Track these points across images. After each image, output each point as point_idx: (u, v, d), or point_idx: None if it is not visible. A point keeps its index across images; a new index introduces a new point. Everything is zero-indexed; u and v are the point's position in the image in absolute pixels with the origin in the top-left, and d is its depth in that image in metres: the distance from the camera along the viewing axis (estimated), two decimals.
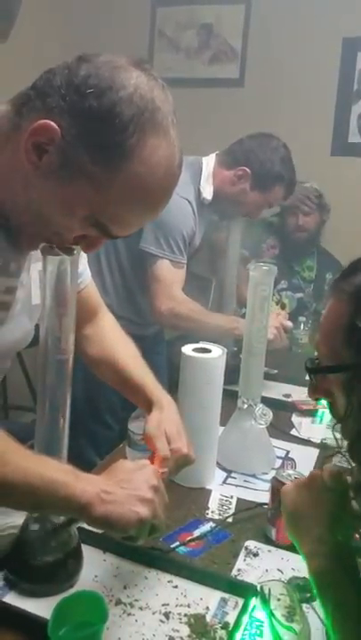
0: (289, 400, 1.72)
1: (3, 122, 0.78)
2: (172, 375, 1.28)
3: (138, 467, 0.84)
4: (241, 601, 0.89)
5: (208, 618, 0.87)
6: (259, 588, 0.85)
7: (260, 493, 1.21)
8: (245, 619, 0.83)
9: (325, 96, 2.81)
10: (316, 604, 0.88)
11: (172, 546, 1.03)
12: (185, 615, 0.87)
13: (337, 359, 0.69)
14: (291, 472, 1.07)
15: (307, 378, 0.77)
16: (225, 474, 1.31)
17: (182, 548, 1.03)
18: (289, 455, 1.42)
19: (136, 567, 0.96)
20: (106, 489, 0.76)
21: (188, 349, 1.24)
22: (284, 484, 0.96)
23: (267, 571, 0.99)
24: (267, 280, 1.32)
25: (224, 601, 0.90)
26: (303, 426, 1.58)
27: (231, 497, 1.21)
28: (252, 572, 0.99)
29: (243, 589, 0.90)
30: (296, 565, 0.99)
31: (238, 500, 1.20)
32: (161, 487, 0.82)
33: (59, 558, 0.89)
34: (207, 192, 1.80)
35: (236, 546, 1.05)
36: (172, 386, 1.25)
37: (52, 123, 0.72)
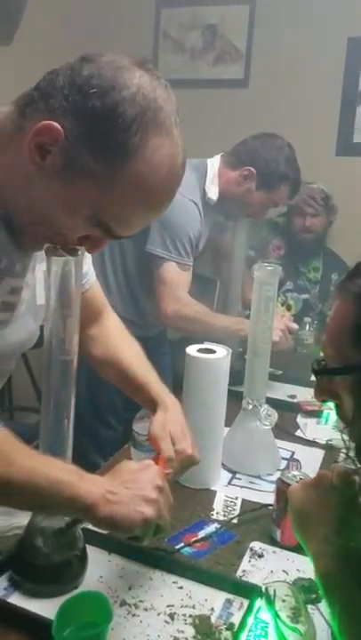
0: (294, 401, 1.72)
1: (6, 123, 0.78)
2: (176, 376, 1.28)
3: (142, 467, 0.84)
4: (246, 602, 0.88)
5: (213, 619, 0.86)
6: (264, 589, 0.84)
7: (265, 494, 1.21)
8: (250, 620, 0.83)
9: (330, 96, 2.81)
10: (322, 605, 0.88)
11: (177, 547, 1.03)
12: (190, 616, 0.87)
13: (344, 360, 0.68)
14: (296, 473, 1.07)
15: (312, 379, 0.77)
16: (230, 475, 1.30)
17: (187, 549, 1.03)
18: (294, 456, 1.42)
19: (141, 568, 0.96)
20: (111, 489, 0.76)
21: (192, 350, 1.24)
22: (289, 485, 0.96)
23: (272, 572, 0.99)
24: (271, 280, 1.31)
25: (229, 602, 0.90)
26: (308, 427, 1.57)
27: (236, 498, 1.21)
28: (258, 573, 0.98)
29: (248, 590, 0.90)
30: (301, 567, 0.99)
31: (243, 501, 1.20)
32: (166, 487, 0.82)
33: (63, 559, 0.89)
34: (212, 193, 1.80)
35: (241, 547, 1.05)
36: (177, 386, 1.25)
37: (56, 123, 0.72)
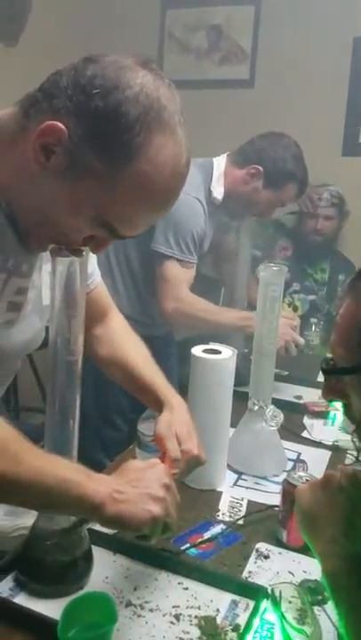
0: (300, 402, 1.71)
1: (10, 124, 0.78)
2: (182, 376, 1.28)
3: (148, 465, 0.84)
4: (252, 603, 0.88)
5: (219, 620, 0.86)
6: (270, 591, 0.84)
7: (271, 496, 1.20)
8: (256, 621, 0.82)
9: (336, 96, 2.80)
10: (328, 606, 0.87)
11: (183, 548, 1.03)
12: (195, 617, 0.86)
13: (353, 360, 0.68)
14: (302, 474, 1.07)
15: (319, 379, 0.76)
16: (236, 476, 1.30)
17: (193, 550, 1.03)
18: (300, 457, 1.41)
19: (146, 569, 0.96)
20: (118, 488, 0.75)
21: (197, 350, 1.24)
22: (295, 486, 0.95)
23: (278, 573, 0.98)
24: (277, 280, 1.31)
25: (235, 603, 0.90)
26: (315, 428, 1.57)
27: (242, 499, 1.20)
28: (263, 574, 0.98)
29: (254, 591, 0.90)
30: (307, 568, 0.99)
31: (249, 502, 1.19)
32: (172, 485, 0.82)
33: (69, 559, 0.89)
34: (218, 192, 1.80)
35: (246, 548, 1.05)
36: (183, 387, 1.25)
37: (59, 123, 0.72)
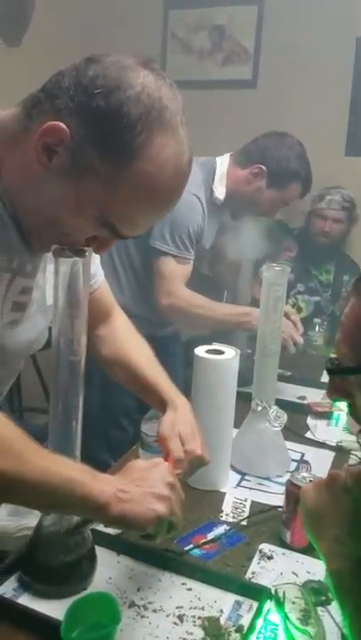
0: (304, 402, 1.71)
1: (13, 124, 0.79)
2: (187, 376, 1.28)
3: (152, 464, 0.84)
4: (255, 604, 0.88)
5: (222, 621, 0.86)
6: (273, 591, 0.84)
7: (275, 496, 1.20)
8: (260, 622, 0.82)
9: (339, 96, 2.79)
10: (332, 607, 0.87)
11: (186, 548, 1.02)
12: (199, 618, 0.86)
13: (358, 359, 0.68)
14: (306, 475, 1.06)
15: (322, 380, 0.76)
16: (239, 476, 1.30)
17: (196, 551, 1.03)
18: (304, 458, 1.41)
19: (150, 569, 0.96)
20: (122, 488, 0.75)
21: (200, 351, 1.23)
22: (299, 487, 0.95)
23: (281, 574, 0.98)
24: (280, 281, 1.31)
25: (238, 604, 0.90)
26: (318, 428, 1.56)
27: (245, 500, 1.20)
28: (267, 574, 0.98)
29: (257, 592, 0.89)
30: (311, 569, 0.99)
31: (252, 502, 1.19)
32: (177, 484, 0.82)
33: (72, 560, 0.89)
34: (220, 192, 1.79)
35: (250, 549, 1.04)
36: (189, 387, 1.25)
37: (61, 124, 0.72)
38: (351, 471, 0.75)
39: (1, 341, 0.88)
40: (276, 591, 0.84)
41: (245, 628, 0.83)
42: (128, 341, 1.14)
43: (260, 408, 1.33)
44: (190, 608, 0.88)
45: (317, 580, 0.94)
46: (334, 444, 1.46)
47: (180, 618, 0.86)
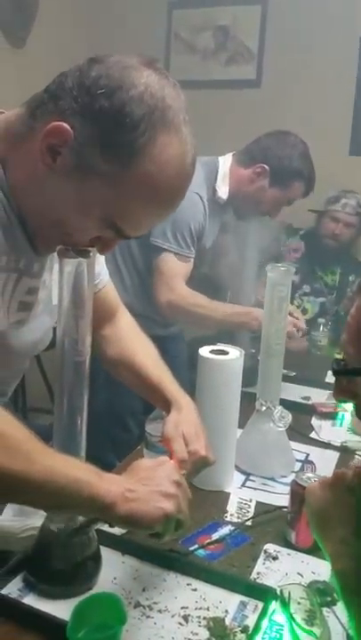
0: (309, 402, 1.71)
1: (17, 125, 0.79)
2: (192, 377, 1.28)
3: (157, 463, 0.84)
4: (260, 604, 0.88)
5: (227, 621, 0.86)
6: (278, 592, 0.84)
7: (280, 497, 1.20)
8: (265, 622, 0.82)
9: (343, 96, 2.79)
10: (337, 607, 0.87)
11: (191, 549, 1.02)
12: (204, 618, 0.86)
13: None
14: (311, 475, 1.06)
15: (327, 380, 0.76)
16: (244, 477, 1.30)
17: (201, 551, 1.02)
18: (309, 458, 1.40)
19: (155, 570, 0.96)
20: (129, 487, 0.75)
21: (205, 351, 1.23)
22: (303, 487, 0.95)
23: (286, 574, 0.98)
24: (284, 281, 1.31)
25: (243, 604, 0.89)
26: (323, 429, 1.56)
27: (250, 500, 1.20)
28: (272, 575, 0.98)
29: (262, 593, 0.89)
30: (316, 569, 0.98)
31: (257, 503, 1.19)
32: (183, 482, 0.82)
33: (78, 560, 0.89)
34: (222, 192, 1.79)
35: (255, 549, 1.04)
36: (193, 387, 1.25)
37: (65, 124, 0.73)
38: (357, 471, 0.75)
39: (7, 341, 0.89)
40: (281, 591, 0.83)
41: (251, 629, 0.83)
42: (133, 341, 1.14)
43: (264, 408, 1.33)
44: (195, 608, 0.88)
45: (323, 580, 0.94)
46: (339, 445, 1.45)
47: (186, 618, 0.86)
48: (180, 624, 0.85)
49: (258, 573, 0.98)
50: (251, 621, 0.85)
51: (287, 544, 1.05)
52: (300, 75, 2.82)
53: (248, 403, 1.35)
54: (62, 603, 0.85)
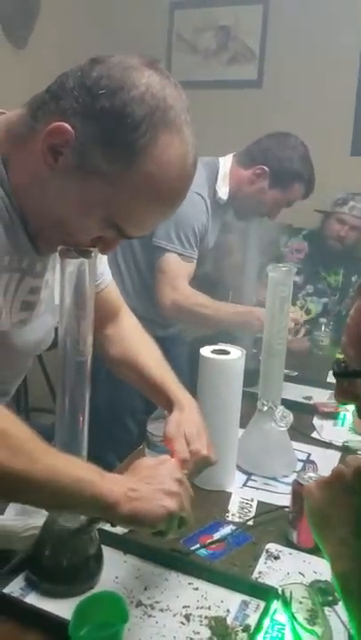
0: (310, 402, 1.71)
1: (19, 125, 0.79)
2: (193, 377, 1.28)
3: (159, 462, 0.84)
4: (262, 604, 0.88)
5: (229, 620, 0.86)
6: (280, 591, 0.84)
7: (281, 496, 1.20)
8: (267, 622, 0.82)
9: (344, 96, 2.79)
10: (339, 607, 0.87)
11: (193, 548, 1.03)
12: (206, 617, 0.86)
13: None
14: (312, 475, 1.06)
15: (328, 380, 0.76)
16: (245, 476, 1.30)
17: (203, 551, 1.03)
18: (310, 458, 1.41)
19: (157, 569, 0.96)
20: (132, 486, 0.75)
21: (206, 351, 1.23)
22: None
23: (288, 574, 0.98)
24: (286, 281, 1.31)
25: (245, 604, 0.90)
26: (325, 428, 1.56)
27: (252, 500, 1.20)
28: (274, 574, 0.98)
29: (264, 592, 0.89)
30: (318, 568, 0.99)
31: (259, 502, 1.19)
32: (185, 480, 0.82)
33: (80, 559, 0.90)
34: (223, 192, 1.80)
35: (256, 548, 1.04)
36: (194, 387, 1.25)
37: (66, 125, 0.73)
38: (355, 470, 0.75)
39: (10, 340, 0.89)
40: (283, 591, 0.84)
41: (252, 628, 0.83)
42: (136, 341, 1.14)
43: (265, 408, 1.33)
44: (197, 608, 0.88)
45: (324, 579, 0.94)
46: (340, 445, 1.45)
47: (187, 617, 0.86)
48: (182, 623, 0.85)
49: (259, 573, 0.98)
50: (252, 621, 0.85)
51: (289, 544, 1.06)
52: (301, 75, 2.82)
53: (250, 403, 1.36)
54: (64, 602, 0.85)
